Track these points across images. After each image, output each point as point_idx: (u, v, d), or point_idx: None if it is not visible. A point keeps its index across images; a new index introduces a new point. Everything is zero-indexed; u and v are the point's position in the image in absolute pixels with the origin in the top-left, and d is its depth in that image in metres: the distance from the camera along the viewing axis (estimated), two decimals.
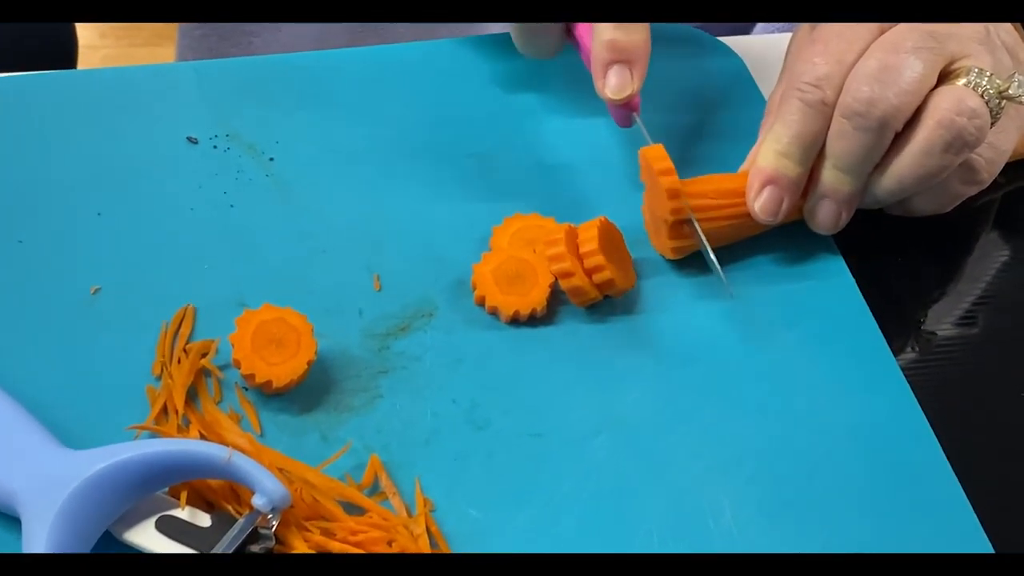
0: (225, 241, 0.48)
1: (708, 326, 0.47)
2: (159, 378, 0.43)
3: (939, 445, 0.43)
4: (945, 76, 0.45)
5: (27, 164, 0.50)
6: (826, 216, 0.48)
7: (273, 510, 0.38)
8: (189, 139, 0.51)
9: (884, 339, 0.47)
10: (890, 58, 0.44)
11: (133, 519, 0.38)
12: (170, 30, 0.76)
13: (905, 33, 0.45)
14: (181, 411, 0.41)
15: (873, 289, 0.48)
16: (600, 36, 0.47)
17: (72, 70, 0.69)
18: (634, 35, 0.47)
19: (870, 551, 0.40)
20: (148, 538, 0.38)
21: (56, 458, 0.38)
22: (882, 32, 0.46)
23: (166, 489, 0.39)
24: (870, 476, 0.42)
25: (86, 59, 1.47)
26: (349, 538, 0.38)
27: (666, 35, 0.57)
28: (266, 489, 0.37)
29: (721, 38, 0.59)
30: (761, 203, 0.47)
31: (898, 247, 0.51)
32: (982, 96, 0.45)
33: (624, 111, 0.49)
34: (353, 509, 0.40)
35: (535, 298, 0.46)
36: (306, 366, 0.42)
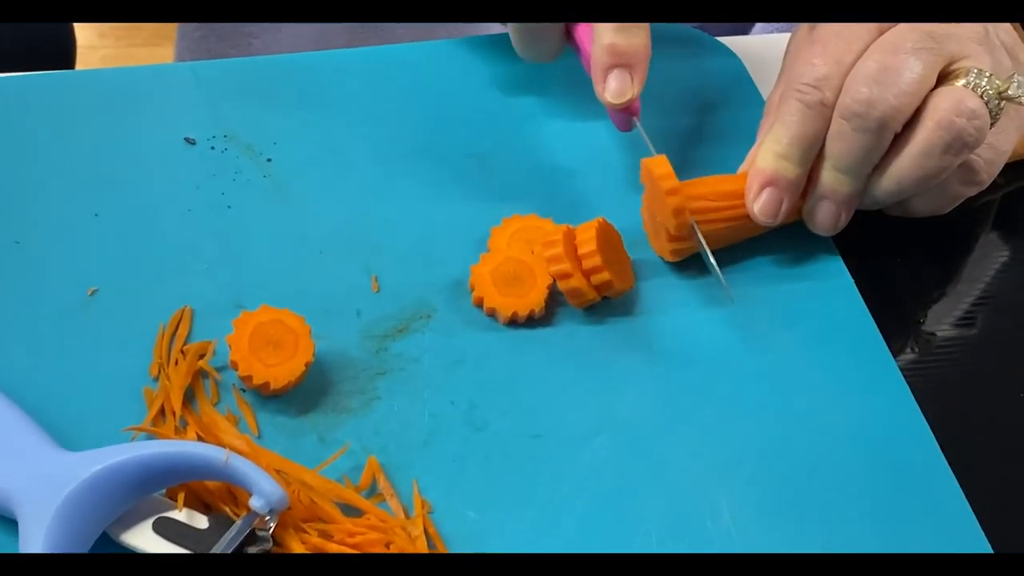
0: (222, 242, 0.48)
1: (707, 327, 0.46)
2: (156, 379, 0.43)
3: (938, 446, 0.43)
4: (944, 77, 0.45)
5: (24, 164, 0.49)
6: (825, 217, 0.48)
7: (271, 512, 0.38)
8: (187, 140, 0.51)
9: (883, 340, 0.47)
10: (889, 59, 0.44)
11: (130, 521, 0.38)
12: (169, 30, 0.76)
13: (904, 34, 0.45)
14: (178, 413, 0.41)
15: (872, 290, 0.48)
16: (600, 40, 0.47)
17: (69, 70, 0.69)
18: (634, 39, 0.47)
19: (869, 552, 0.40)
20: (145, 540, 0.38)
21: (53, 460, 0.38)
22: (881, 33, 0.46)
23: (163, 491, 0.39)
24: (869, 477, 0.42)
25: (85, 59, 1.47)
26: (347, 540, 0.38)
27: (665, 35, 0.57)
28: (263, 491, 0.37)
29: (720, 38, 0.59)
30: (760, 204, 0.47)
31: (897, 248, 0.51)
32: (981, 97, 0.44)
33: (624, 115, 0.49)
34: (351, 511, 0.39)
35: (533, 299, 0.46)
36: (304, 367, 0.42)
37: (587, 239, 0.45)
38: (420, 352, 0.45)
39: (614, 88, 0.47)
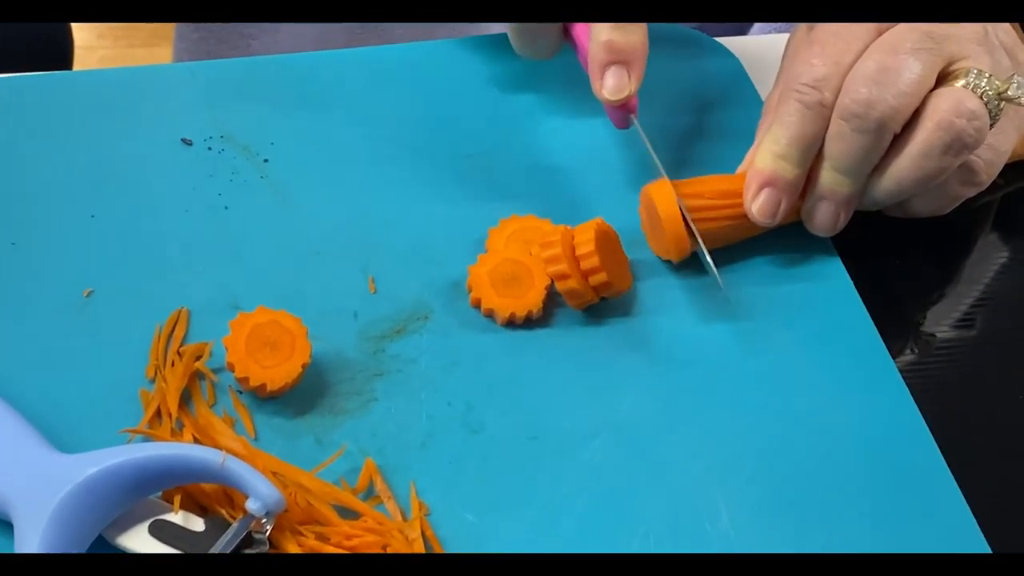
0: (219, 243, 0.47)
1: (705, 328, 0.46)
2: (152, 381, 0.42)
3: (937, 447, 0.43)
4: (944, 77, 0.45)
5: (20, 165, 0.49)
6: (824, 218, 0.48)
7: (267, 514, 0.37)
8: (183, 140, 0.51)
9: (882, 341, 0.46)
10: (888, 59, 0.44)
11: (126, 523, 0.38)
12: (168, 31, 0.76)
13: (903, 34, 0.45)
14: (175, 415, 0.41)
15: (872, 291, 0.48)
16: (597, 37, 0.47)
17: (66, 71, 0.69)
18: (631, 36, 0.47)
19: (867, 552, 0.40)
20: (141, 542, 0.38)
21: (49, 462, 0.38)
22: (880, 33, 0.46)
23: (159, 493, 0.39)
24: (868, 478, 0.42)
25: (83, 60, 1.47)
26: (343, 543, 0.38)
27: (663, 36, 0.57)
28: (260, 493, 0.37)
29: (718, 39, 0.59)
30: (758, 205, 0.47)
31: (897, 249, 0.51)
32: (981, 97, 0.44)
33: (621, 112, 0.49)
34: (348, 513, 0.39)
35: (531, 300, 0.45)
36: (300, 369, 0.42)
37: (585, 240, 0.45)
38: (417, 353, 0.45)
39: (611, 85, 0.47)
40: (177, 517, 0.38)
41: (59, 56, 0.91)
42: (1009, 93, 0.45)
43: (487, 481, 0.41)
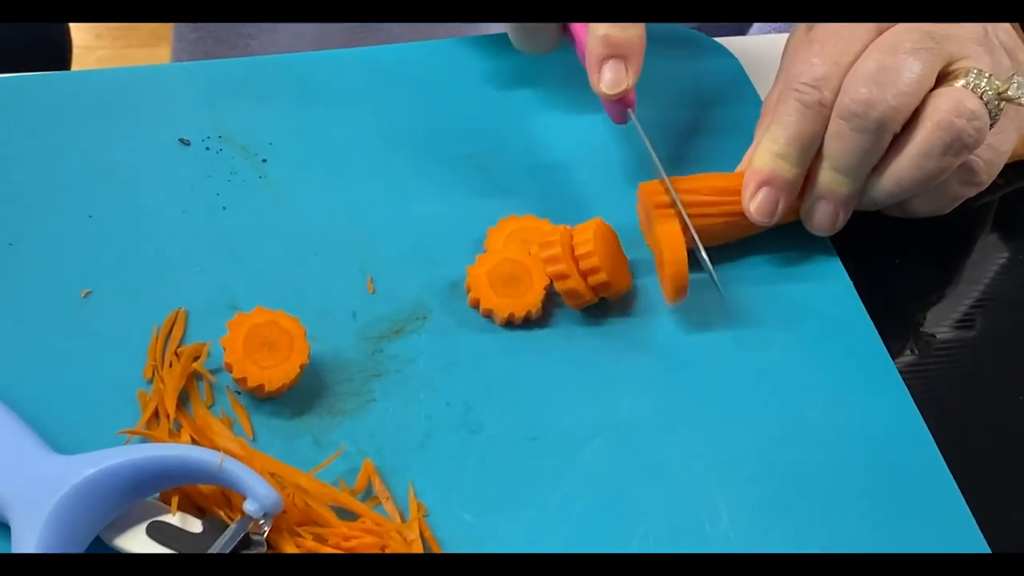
0: (217, 243, 0.47)
1: (704, 328, 0.46)
2: (150, 382, 0.42)
3: (937, 447, 0.43)
4: (944, 77, 0.45)
5: (18, 165, 0.49)
6: (823, 217, 0.48)
7: (265, 516, 0.37)
8: (181, 140, 0.51)
9: (881, 341, 0.46)
10: (888, 59, 0.44)
11: (124, 525, 0.38)
12: (166, 31, 0.76)
13: (903, 34, 0.45)
14: (172, 415, 0.41)
15: (871, 291, 0.48)
16: (595, 31, 0.47)
17: (64, 71, 0.69)
18: (629, 30, 0.47)
19: (868, 552, 0.40)
20: (139, 544, 0.38)
21: (46, 463, 0.38)
22: (880, 32, 0.46)
23: (157, 495, 0.39)
24: (867, 478, 0.42)
25: (81, 60, 1.47)
26: (342, 544, 0.38)
27: (662, 36, 0.57)
28: (258, 494, 0.37)
29: (718, 39, 0.59)
30: (757, 204, 0.47)
31: (896, 249, 0.51)
32: (981, 98, 0.44)
33: (619, 107, 0.49)
34: (346, 514, 0.39)
35: (530, 300, 0.45)
36: (299, 369, 0.42)
37: (585, 239, 0.45)
38: (416, 354, 0.44)
39: (609, 79, 0.47)
40: (175, 518, 0.38)
41: (57, 56, 0.91)
42: (1009, 93, 0.45)
43: (486, 482, 0.41)
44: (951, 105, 0.44)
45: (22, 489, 0.37)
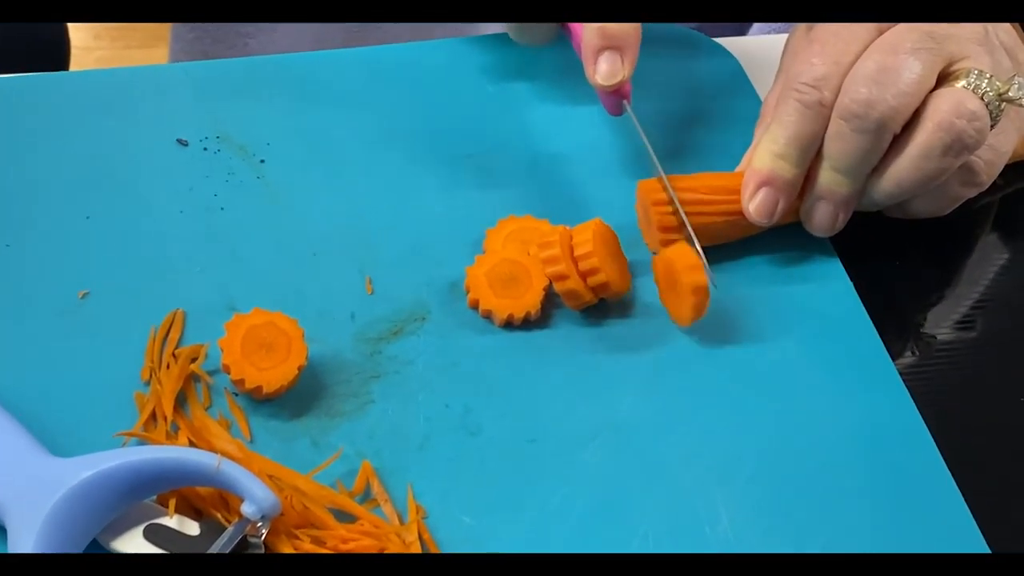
0: (215, 244, 0.47)
1: (704, 329, 0.46)
2: (148, 383, 0.42)
3: (937, 449, 0.43)
4: (944, 78, 0.45)
5: (16, 166, 0.49)
6: (823, 218, 0.48)
7: (263, 518, 0.37)
8: (179, 141, 0.51)
9: (881, 343, 0.46)
10: (888, 59, 0.44)
11: (121, 527, 0.38)
12: (164, 31, 0.75)
13: (904, 34, 0.45)
14: (170, 417, 0.41)
15: (871, 292, 0.48)
16: (590, 23, 0.47)
17: (61, 72, 0.69)
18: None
19: (868, 552, 0.40)
20: (136, 547, 0.38)
21: (43, 465, 0.38)
22: (880, 32, 0.45)
23: (154, 497, 0.39)
24: (868, 479, 0.42)
25: (80, 61, 1.46)
26: (340, 546, 0.38)
27: (662, 36, 0.57)
28: (256, 497, 0.37)
29: (717, 39, 0.59)
30: (756, 204, 0.47)
31: (896, 250, 0.51)
32: (982, 98, 0.44)
33: (614, 98, 0.48)
34: (344, 517, 0.39)
35: (529, 301, 0.45)
36: (297, 371, 0.42)
37: (584, 240, 0.45)
38: (415, 355, 0.44)
39: (604, 70, 0.47)
40: (172, 521, 0.38)
41: (56, 57, 0.91)
42: (1010, 94, 0.45)
43: (485, 483, 0.41)
44: (952, 106, 0.44)
45: (19, 491, 0.37)
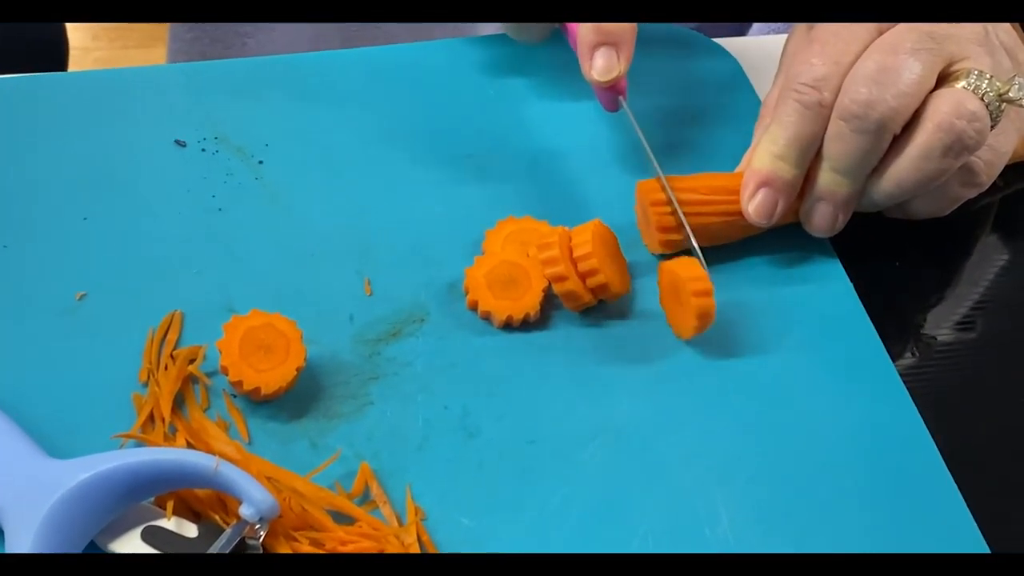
0: (213, 245, 0.47)
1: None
2: (145, 385, 0.42)
3: (937, 450, 0.43)
4: (944, 78, 0.45)
5: (13, 167, 0.49)
6: (822, 219, 0.48)
7: (261, 520, 0.37)
8: (177, 142, 0.51)
9: (882, 344, 0.46)
10: (888, 59, 0.44)
11: (118, 529, 0.38)
12: (163, 32, 0.75)
13: (903, 34, 0.45)
14: (168, 419, 0.41)
15: (871, 293, 0.48)
16: None
17: (59, 72, 0.69)
18: None
19: (867, 553, 0.40)
20: (134, 548, 0.37)
21: (40, 467, 0.37)
22: (880, 33, 0.45)
23: (152, 499, 0.38)
24: (868, 480, 0.42)
25: (78, 61, 1.46)
26: (338, 548, 0.38)
27: (661, 36, 0.57)
28: (254, 499, 0.37)
29: (717, 39, 0.59)
30: (755, 205, 0.47)
31: (896, 250, 0.51)
32: (982, 99, 0.44)
33: (610, 94, 0.48)
34: (343, 518, 0.39)
35: (528, 302, 0.45)
36: (295, 372, 0.42)
37: (583, 241, 0.45)
38: (413, 356, 0.44)
39: (600, 66, 0.47)
40: (170, 523, 0.38)
41: (54, 57, 0.91)
42: (1010, 94, 0.44)
43: (484, 485, 0.41)
44: (952, 106, 0.44)
45: (16, 493, 0.37)
